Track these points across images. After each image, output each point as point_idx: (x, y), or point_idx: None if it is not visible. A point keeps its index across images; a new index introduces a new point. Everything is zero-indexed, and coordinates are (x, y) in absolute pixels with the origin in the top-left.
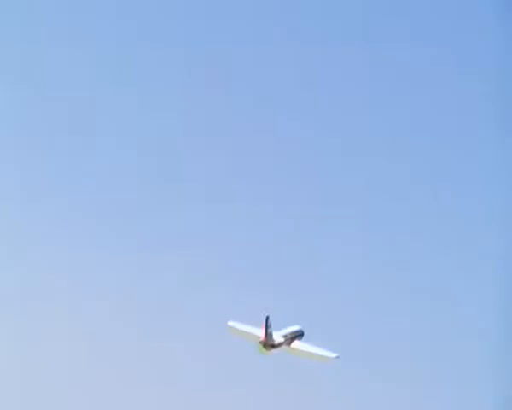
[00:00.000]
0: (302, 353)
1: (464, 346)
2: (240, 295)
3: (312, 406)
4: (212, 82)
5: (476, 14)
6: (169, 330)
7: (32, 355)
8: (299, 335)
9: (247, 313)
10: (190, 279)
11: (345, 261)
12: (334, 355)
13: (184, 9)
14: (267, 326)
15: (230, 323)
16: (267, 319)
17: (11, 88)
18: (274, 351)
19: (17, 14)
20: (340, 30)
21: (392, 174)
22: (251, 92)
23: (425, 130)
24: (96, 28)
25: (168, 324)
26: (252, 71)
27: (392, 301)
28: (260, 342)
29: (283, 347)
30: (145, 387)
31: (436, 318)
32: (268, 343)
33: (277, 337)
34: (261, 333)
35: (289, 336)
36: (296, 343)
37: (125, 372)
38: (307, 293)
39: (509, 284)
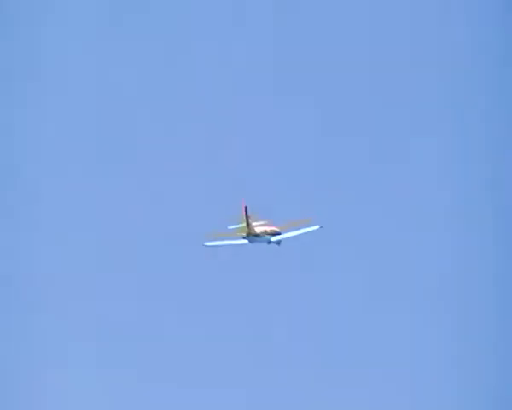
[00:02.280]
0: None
1: None
2: None
3: None
4: None
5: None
6: None
7: None
8: (277, 233)
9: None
10: None
11: None
12: (316, 227)
13: None
14: (247, 216)
15: (207, 243)
16: (246, 208)
17: None
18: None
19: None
20: None
21: None
22: None
23: None
24: None
25: None
26: None
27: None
28: (243, 236)
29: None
30: None
31: None
32: (251, 233)
33: (258, 229)
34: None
35: (268, 232)
36: (276, 237)
37: None
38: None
39: None
